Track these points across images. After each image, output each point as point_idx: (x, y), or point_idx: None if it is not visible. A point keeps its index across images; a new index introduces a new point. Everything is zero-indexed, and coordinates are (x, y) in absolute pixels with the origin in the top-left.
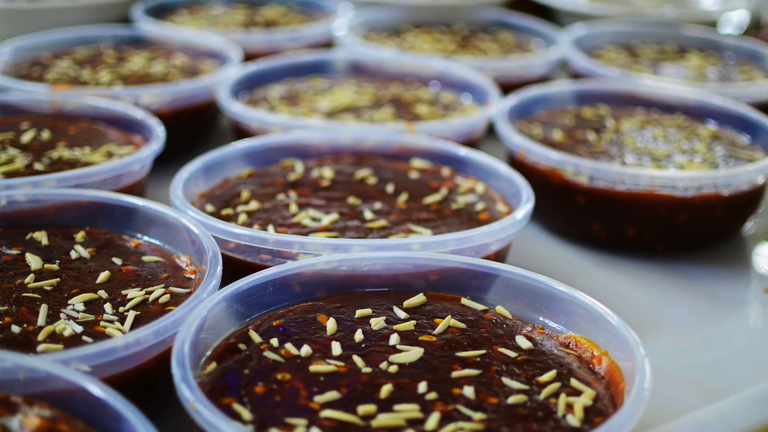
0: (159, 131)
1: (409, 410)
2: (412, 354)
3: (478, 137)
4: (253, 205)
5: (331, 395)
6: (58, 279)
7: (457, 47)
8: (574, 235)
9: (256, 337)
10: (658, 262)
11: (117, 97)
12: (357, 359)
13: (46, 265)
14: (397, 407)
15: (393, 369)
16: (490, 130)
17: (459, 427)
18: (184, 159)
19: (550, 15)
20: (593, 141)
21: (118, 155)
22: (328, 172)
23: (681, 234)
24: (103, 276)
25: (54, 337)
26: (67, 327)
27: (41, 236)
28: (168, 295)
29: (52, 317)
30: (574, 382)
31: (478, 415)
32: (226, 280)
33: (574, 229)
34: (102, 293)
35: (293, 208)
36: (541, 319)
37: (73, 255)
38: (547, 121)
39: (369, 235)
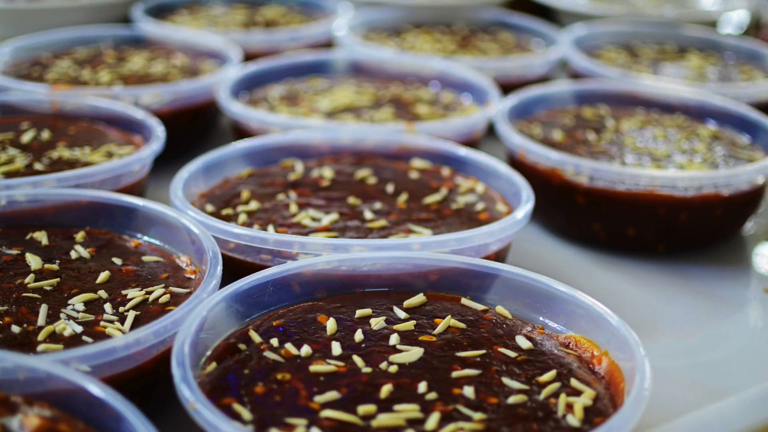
0: (159, 131)
1: (409, 410)
2: (412, 354)
3: (478, 137)
4: (253, 205)
5: (331, 395)
6: (58, 279)
7: (457, 47)
8: (574, 235)
9: (256, 337)
10: (658, 262)
11: (117, 97)
12: (357, 359)
13: (46, 265)
14: (397, 407)
15: (393, 369)
16: (490, 130)
17: (459, 427)
18: (184, 159)
19: (550, 15)
20: (593, 141)
21: (118, 155)
22: (328, 172)
23: (681, 234)
24: (103, 276)
25: (54, 337)
26: (67, 327)
27: (41, 236)
28: (168, 295)
29: (52, 317)
30: (574, 382)
31: (478, 415)
32: (226, 280)
33: (574, 229)
34: (102, 293)
35: (293, 208)
36: (541, 319)
37: (73, 255)
38: (547, 121)
39: (369, 235)
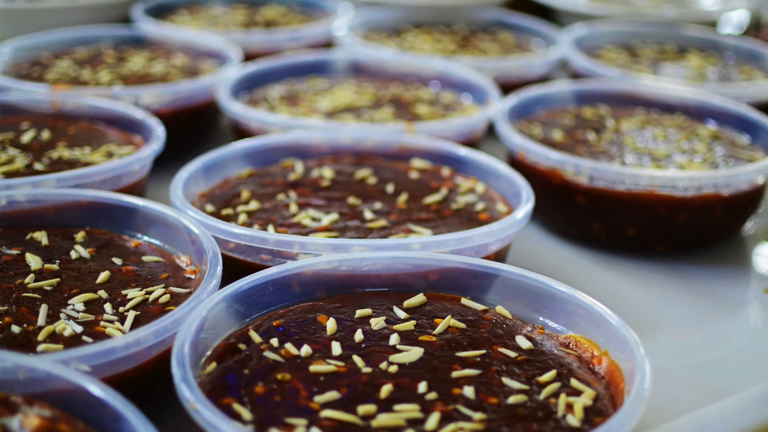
0: (159, 131)
1: (409, 410)
2: (412, 354)
3: (478, 137)
4: (253, 205)
5: (331, 395)
6: (58, 279)
7: (457, 47)
8: (574, 235)
9: (256, 337)
10: (658, 262)
11: (117, 97)
12: (357, 359)
13: (46, 265)
14: (397, 407)
15: (393, 369)
16: (490, 130)
17: (459, 427)
18: (184, 159)
19: (550, 15)
20: (593, 141)
21: (118, 155)
22: (328, 172)
23: (681, 234)
24: (103, 276)
25: (54, 337)
26: (67, 327)
27: (41, 236)
28: (168, 295)
29: (52, 317)
30: (574, 382)
31: (478, 415)
32: (226, 280)
33: (574, 229)
34: (102, 293)
35: (293, 208)
36: (541, 319)
37: (73, 255)
38: (547, 121)
39: (369, 235)
